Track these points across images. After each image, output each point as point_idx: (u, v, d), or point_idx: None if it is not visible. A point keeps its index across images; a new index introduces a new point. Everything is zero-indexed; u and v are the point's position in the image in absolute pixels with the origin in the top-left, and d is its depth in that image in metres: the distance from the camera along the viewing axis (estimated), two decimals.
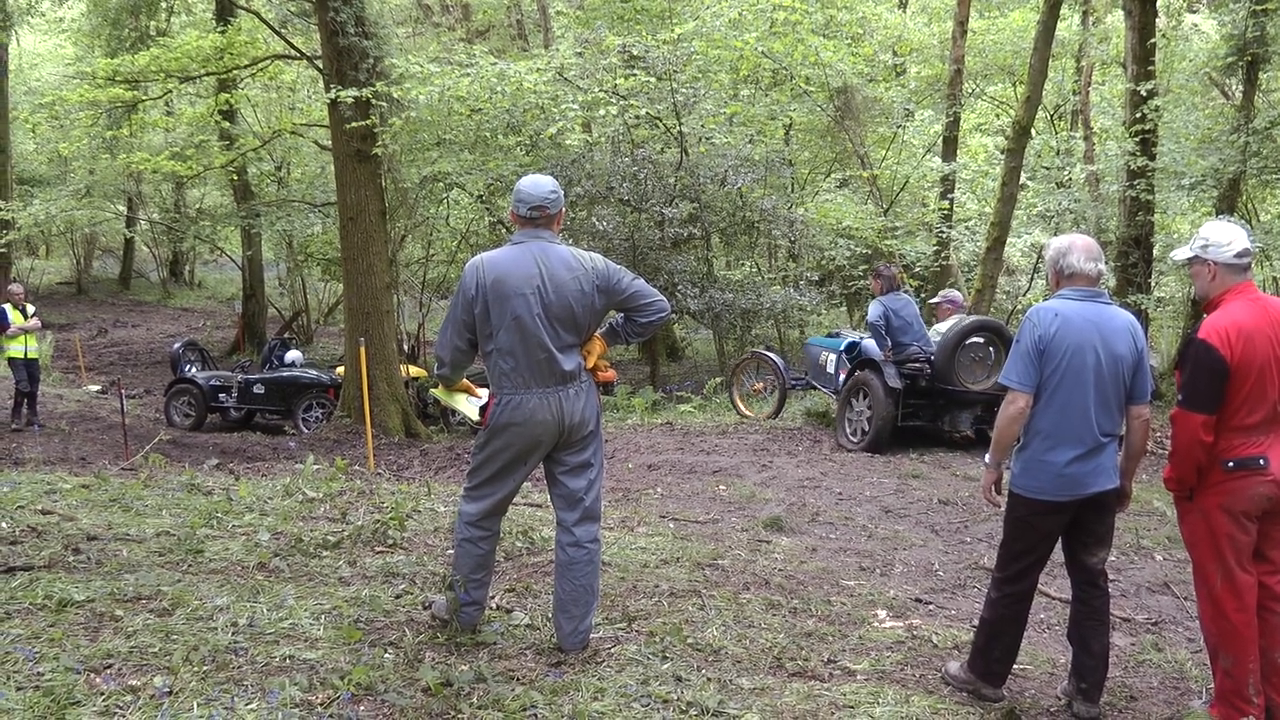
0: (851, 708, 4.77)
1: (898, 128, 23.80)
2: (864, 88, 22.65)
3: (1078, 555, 5.19)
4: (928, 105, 24.34)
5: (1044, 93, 18.43)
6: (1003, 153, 18.14)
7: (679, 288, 18.16)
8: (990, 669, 5.16)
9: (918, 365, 12.37)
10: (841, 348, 13.61)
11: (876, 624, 6.12)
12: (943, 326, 12.88)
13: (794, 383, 14.79)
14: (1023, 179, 17.89)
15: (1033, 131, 18.45)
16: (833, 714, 4.68)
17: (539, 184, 5.23)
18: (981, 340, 12.40)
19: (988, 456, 5.24)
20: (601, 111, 17.45)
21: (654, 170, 18.99)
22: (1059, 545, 5.23)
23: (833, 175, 25.52)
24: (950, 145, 22.10)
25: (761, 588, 6.76)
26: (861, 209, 22.26)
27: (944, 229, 20.91)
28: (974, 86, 25.37)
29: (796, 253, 22.63)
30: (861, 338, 13.52)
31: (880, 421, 12.15)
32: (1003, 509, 5.21)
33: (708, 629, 5.74)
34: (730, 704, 4.69)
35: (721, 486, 10.42)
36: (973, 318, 13.27)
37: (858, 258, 22.29)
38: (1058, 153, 21.67)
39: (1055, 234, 17.79)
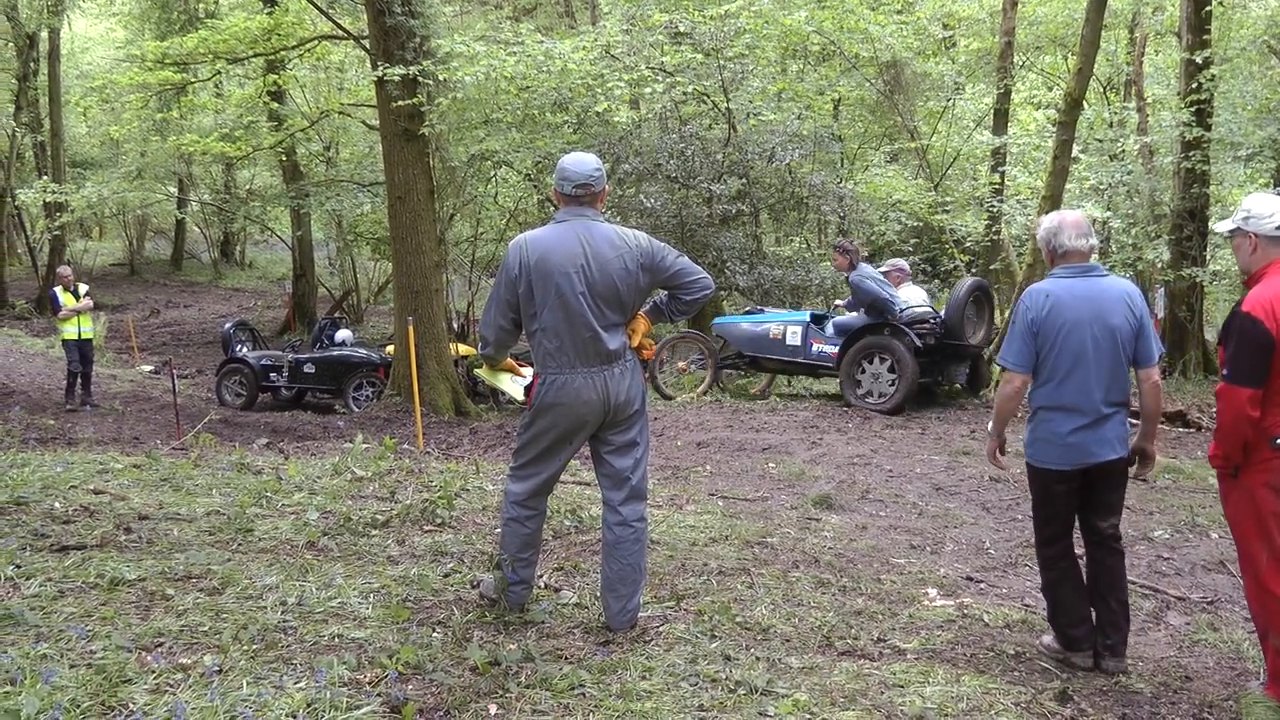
0: (901, 687, 4.73)
1: (948, 101, 23.60)
2: (913, 61, 22.45)
3: (1090, 520, 5.36)
4: (978, 78, 24.13)
5: (1096, 64, 18.19)
6: (1054, 125, 17.89)
7: (727, 264, 18.09)
8: (1066, 636, 5.31)
9: (928, 326, 13.33)
10: (808, 319, 14.33)
11: (927, 602, 6.07)
12: (898, 293, 13.77)
13: (723, 362, 15.10)
14: (1075, 152, 17.65)
15: (1085, 103, 18.22)
16: (882, 693, 4.65)
17: (583, 162, 5.20)
18: (974, 300, 13.61)
19: (990, 426, 5.45)
20: (649, 88, 17.36)
21: (702, 147, 18.91)
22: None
23: (882, 150, 25.34)
24: (1001, 118, 21.87)
25: (811, 566, 6.72)
26: (911, 183, 22.10)
27: (994, 203, 20.70)
28: (1025, 59, 25.12)
29: (846, 228, 22.46)
30: (830, 312, 14.73)
31: (909, 381, 12.99)
32: (1006, 471, 5.59)
33: (756, 607, 5.72)
34: (779, 683, 4.67)
35: (771, 464, 10.39)
36: (970, 279, 14.56)
37: (908, 232, 22.11)
38: (1110, 125, 21.43)
39: (1108, 207, 17.63)
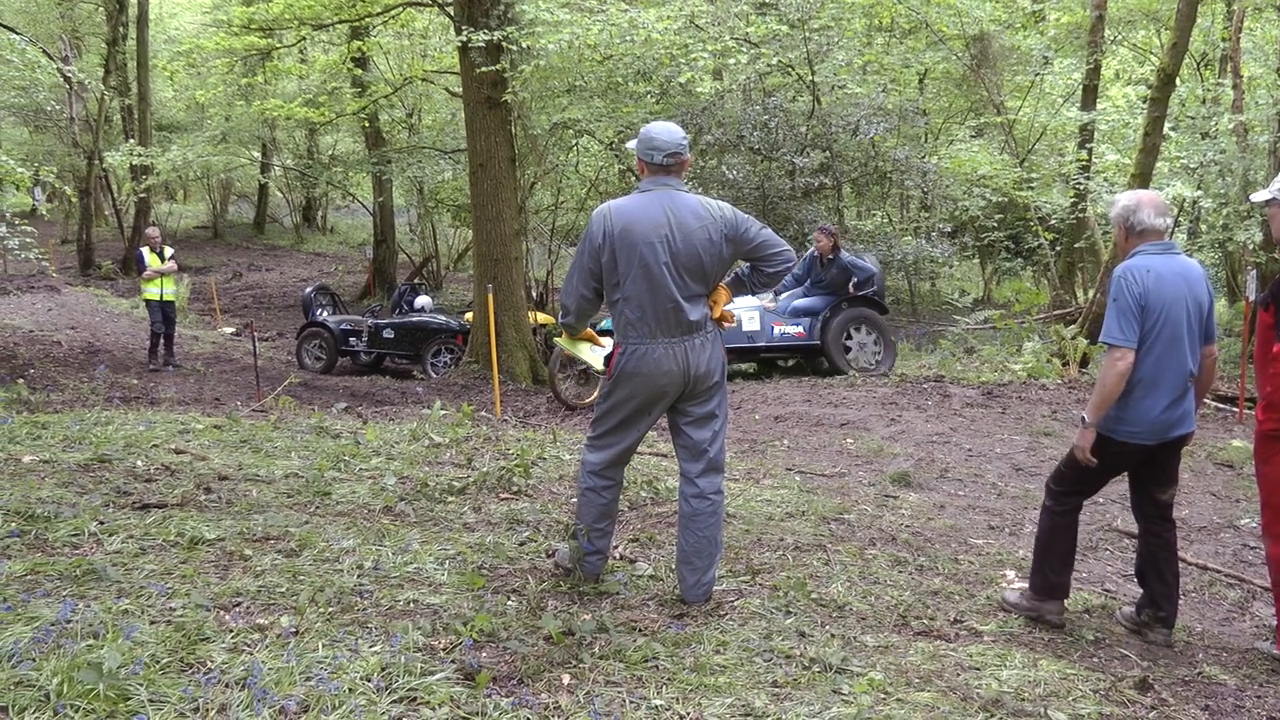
0: (978, 669, 4.67)
1: (1035, 76, 23.23)
2: (1001, 35, 22.13)
3: (1150, 493, 5.43)
4: (1067, 53, 23.70)
5: (1191, 39, 17.81)
6: (1145, 102, 17.56)
7: (809, 238, 17.96)
8: (1049, 581, 5.44)
9: (874, 289, 14.27)
10: (770, 305, 14.32)
11: (1005, 584, 5.98)
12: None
13: None
14: (1165, 129, 17.32)
15: (1178, 80, 17.85)
16: (958, 675, 4.59)
17: (671, 130, 5.16)
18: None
19: (1087, 415, 5.25)
20: (733, 59, 17.24)
21: (785, 119, 18.78)
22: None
23: (967, 125, 25.03)
24: (1090, 94, 21.48)
25: (888, 544, 6.66)
26: (996, 159, 21.80)
27: (1081, 180, 20.36)
28: (1116, 33, 24.63)
29: (929, 203, 22.25)
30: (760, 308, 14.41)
31: (894, 346, 14.00)
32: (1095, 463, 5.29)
33: (832, 584, 5.66)
34: (854, 661, 4.62)
35: (849, 440, 10.31)
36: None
37: (992, 208, 21.84)
38: (1204, 101, 20.97)
39: (1199, 187, 17.28)
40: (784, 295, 14.19)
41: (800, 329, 13.72)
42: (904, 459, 9.46)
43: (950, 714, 4.16)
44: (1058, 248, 20.06)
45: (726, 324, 5.32)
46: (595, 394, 12.99)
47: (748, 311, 13.97)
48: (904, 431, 10.69)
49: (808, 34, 18.42)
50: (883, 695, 4.30)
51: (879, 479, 8.69)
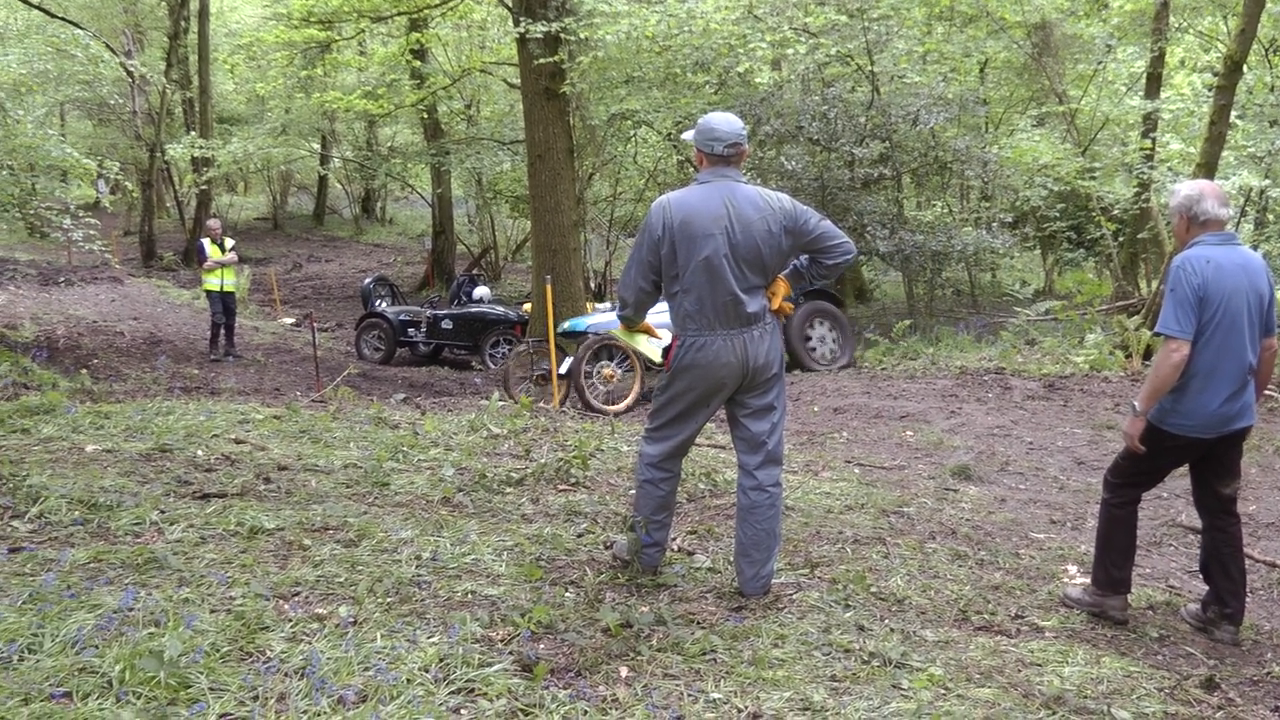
0: (1039, 665, 4.61)
1: (1098, 64, 22.94)
2: (1063, 23, 21.86)
3: (1212, 486, 5.35)
4: (1131, 41, 23.38)
5: (1260, 25, 17.51)
6: (1211, 90, 17.28)
7: (868, 229, 17.84)
8: (1110, 575, 5.36)
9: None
10: None
11: (1067, 579, 5.91)
12: None
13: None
14: (1232, 117, 17.04)
15: (1245, 67, 17.56)
16: (1019, 671, 4.53)
17: (731, 121, 5.13)
18: None
19: (1138, 403, 5.20)
20: (791, 50, 17.14)
21: (844, 109, 18.64)
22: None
23: (1028, 114, 24.76)
24: (1154, 82, 21.17)
25: (948, 537, 6.60)
26: (1058, 148, 21.54)
27: (1145, 170, 20.08)
28: (1181, 20, 24.28)
29: (990, 193, 22.02)
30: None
31: (853, 339, 13.92)
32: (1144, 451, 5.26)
33: (891, 578, 5.62)
34: (914, 656, 4.58)
35: (908, 432, 10.24)
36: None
37: (1054, 198, 21.58)
38: (1272, 89, 20.61)
39: (1267, 176, 17.01)
40: None
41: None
42: (964, 452, 9.37)
43: (1011, 710, 4.12)
44: (1120, 238, 19.78)
45: (784, 316, 5.29)
46: (630, 399, 12.96)
47: None
48: (964, 424, 10.60)
49: (867, 23, 18.27)
50: (943, 691, 4.27)
51: (939, 472, 8.62)
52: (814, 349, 13.78)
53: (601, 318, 13.61)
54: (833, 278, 5.63)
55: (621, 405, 12.55)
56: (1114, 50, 22.64)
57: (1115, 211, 20.39)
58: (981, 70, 24.59)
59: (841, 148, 18.39)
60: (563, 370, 12.60)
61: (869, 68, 18.94)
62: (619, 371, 12.81)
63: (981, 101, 21.47)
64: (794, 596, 5.22)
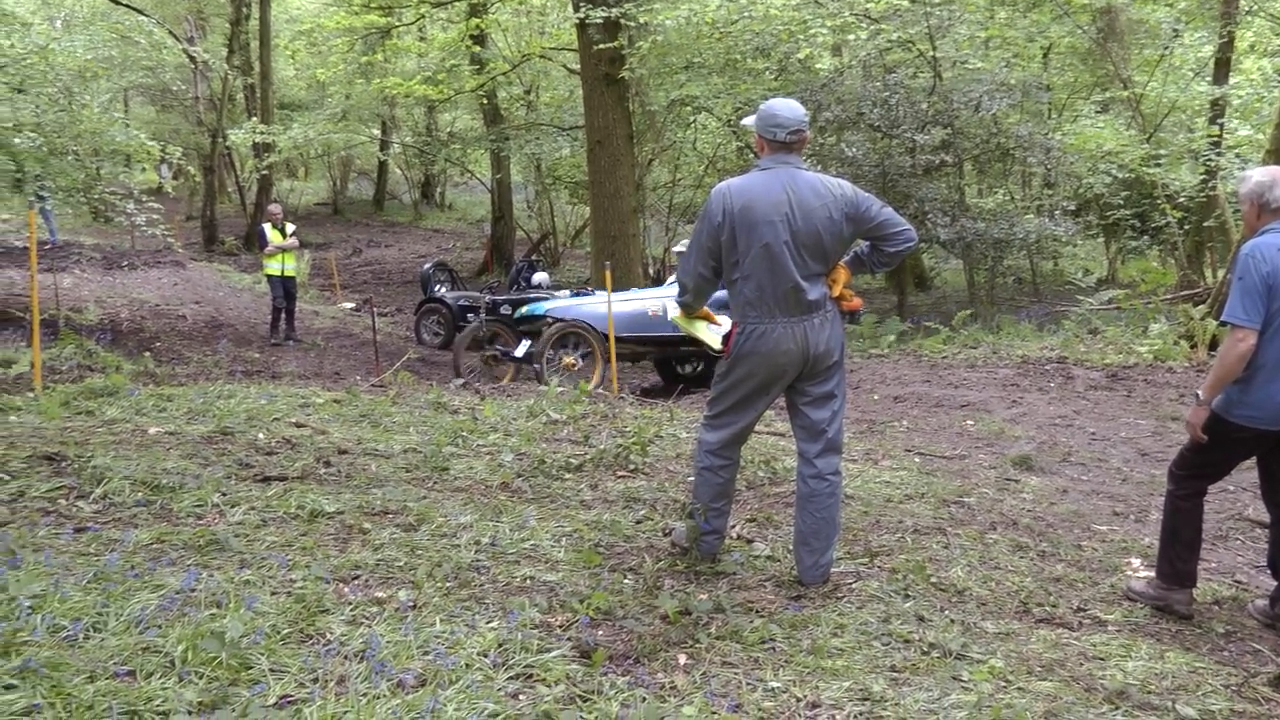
0: (1102, 659, 4.55)
1: (1165, 49, 22.62)
2: (1129, 7, 21.57)
3: None
4: (1199, 25, 23.04)
5: None
6: None
7: (929, 216, 17.69)
8: (1175, 569, 5.27)
9: None
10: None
11: (1130, 573, 5.83)
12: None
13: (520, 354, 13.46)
14: None
15: None
16: (1081, 665, 4.48)
17: (793, 107, 5.09)
18: None
19: (1201, 392, 5.12)
20: (852, 36, 17.04)
21: (906, 95, 18.49)
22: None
23: (1092, 100, 24.47)
24: (1222, 67, 20.83)
25: (1009, 528, 6.53)
26: (1123, 135, 21.26)
27: (1212, 156, 19.80)
28: (1251, 3, 23.90)
29: (1052, 181, 21.78)
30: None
31: None
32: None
33: (952, 568, 5.57)
34: (974, 647, 4.54)
35: (969, 421, 10.16)
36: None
37: (1118, 185, 21.31)
38: None
39: None
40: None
41: (723, 321, 13.19)
42: (1025, 442, 9.28)
43: (1073, 704, 4.07)
44: (1186, 226, 19.50)
45: (847, 304, 5.25)
46: (593, 382, 12.57)
47: (671, 302, 13.31)
48: (1026, 414, 10.51)
49: (929, 8, 18.11)
50: (1003, 683, 4.22)
51: (1000, 462, 8.54)
52: None
53: (561, 303, 13.43)
54: (894, 265, 5.59)
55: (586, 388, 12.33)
56: (1181, 34, 22.31)
57: (1181, 199, 20.11)
58: (1045, 55, 24.31)
59: (903, 134, 18.25)
60: (518, 353, 12.51)
61: (931, 53, 18.77)
62: (579, 360, 12.64)
63: (1045, 87, 21.24)
64: (853, 586, 5.19)
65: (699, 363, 13.71)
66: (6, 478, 6.09)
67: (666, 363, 13.67)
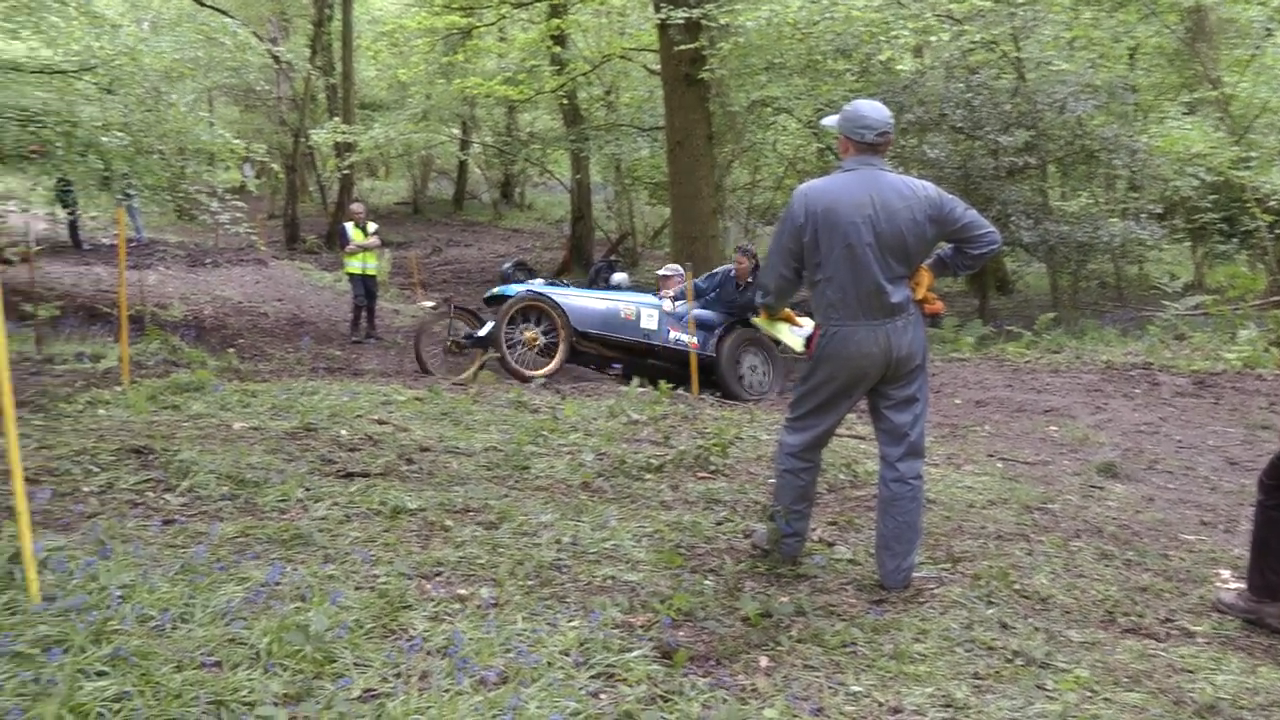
0: (1190, 672, 4.46)
1: (1256, 49, 22.22)
2: (1219, 6, 21.20)
3: None
4: None
5: None
6: None
7: (1011, 219, 17.51)
8: (1267, 581, 5.09)
9: None
10: (675, 309, 13.43)
11: (1219, 584, 5.72)
12: (670, 292, 13.62)
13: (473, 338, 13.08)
14: None
15: None
16: (1169, 677, 4.40)
17: (880, 109, 5.07)
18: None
19: None
20: (934, 37, 16.90)
21: (989, 97, 18.32)
22: None
23: (1180, 101, 24.10)
24: None
25: (1093, 536, 6.44)
26: (1211, 136, 20.91)
27: None
28: None
29: (1138, 183, 21.45)
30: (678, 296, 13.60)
31: (780, 370, 13.26)
32: None
33: (1035, 576, 5.50)
34: (1058, 656, 4.48)
35: (1052, 427, 10.04)
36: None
37: (1205, 189, 20.95)
38: None
39: None
40: (681, 303, 13.34)
41: (695, 340, 12.89)
42: (1110, 448, 9.14)
43: (1161, 717, 4.01)
44: (1277, 230, 19.15)
45: (929, 307, 5.21)
46: (552, 365, 12.30)
47: (647, 309, 13.23)
48: (1110, 420, 10.36)
49: (1013, 9, 17.93)
50: (1089, 693, 4.16)
51: (1084, 468, 8.42)
52: (743, 378, 13.17)
53: (536, 288, 13.15)
54: (977, 268, 5.54)
55: (545, 370, 12.09)
56: (1274, 33, 21.89)
57: (1272, 202, 19.75)
58: (1131, 56, 23.96)
59: (986, 136, 18.09)
60: (482, 333, 12.36)
61: (1015, 54, 18.59)
62: (541, 336, 12.32)
63: (1131, 88, 20.92)
64: (935, 591, 5.14)
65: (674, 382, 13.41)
66: (96, 470, 6.20)
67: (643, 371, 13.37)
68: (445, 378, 12.04)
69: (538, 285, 13.07)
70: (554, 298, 12.45)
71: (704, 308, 13.16)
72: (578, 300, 12.78)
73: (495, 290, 13.26)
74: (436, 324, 13.19)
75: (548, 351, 12.26)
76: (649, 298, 13.57)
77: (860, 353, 5.00)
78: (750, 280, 13.00)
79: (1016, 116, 18.32)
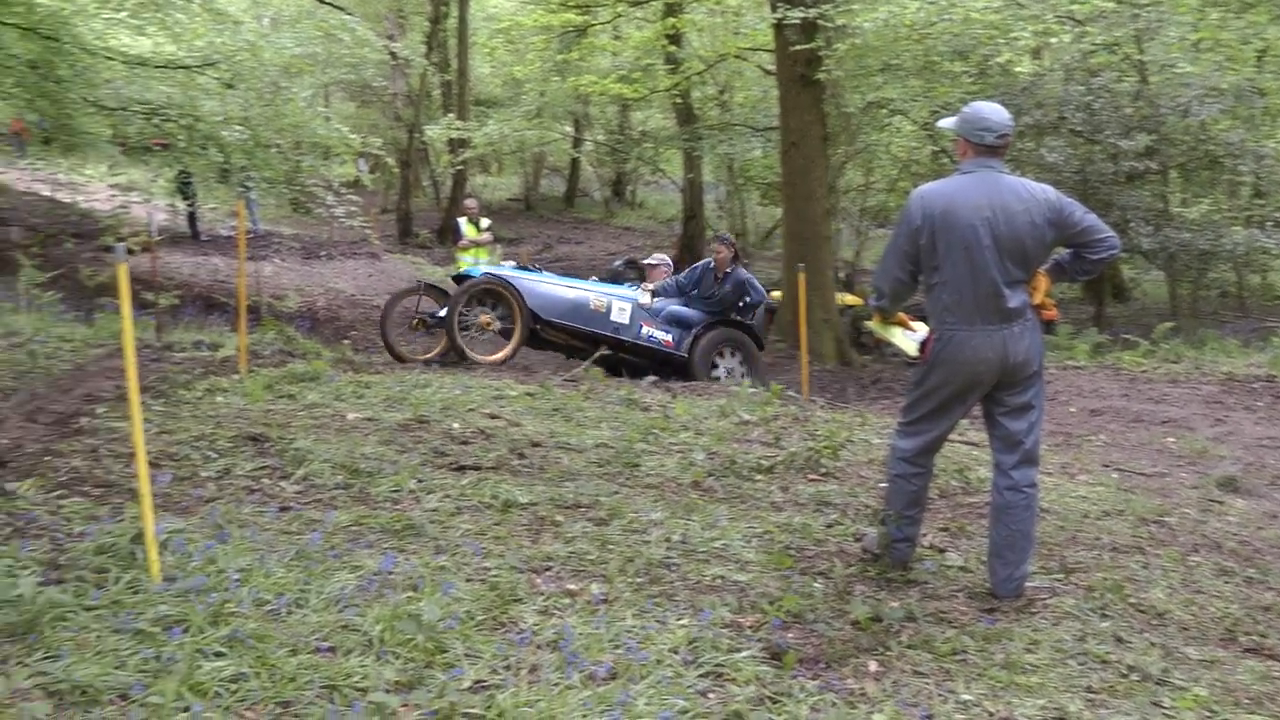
0: None
1: None
2: None
3: None
4: None
5: None
6: None
7: (1131, 225, 17.19)
8: None
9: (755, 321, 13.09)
10: (653, 304, 12.84)
11: None
12: (651, 286, 13.08)
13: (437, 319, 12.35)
14: None
15: None
16: None
17: (1000, 111, 5.02)
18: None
19: None
20: (1054, 39, 16.63)
21: (1110, 99, 18.01)
22: None
23: None
24: None
25: (1212, 551, 6.29)
26: None
27: None
28: None
29: (1264, 190, 20.94)
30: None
31: (761, 373, 12.77)
32: None
33: (1151, 590, 5.39)
34: (1175, 673, 4.39)
35: (1170, 438, 9.83)
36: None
37: None
38: None
39: None
40: (658, 299, 12.90)
41: (669, 337, 12.59)
42: (1231, 462, 8.93)
43: None
44: None
45: (1045, 313, 5.13)
46: (506, 350, 11.98)
47: (619, 302, 12.65)
48: (1231, 433, 10.12)
49: (1137, 10, 17.59)
50: (1208, 713, 4.09)
51: (1203, 482, 8.23)
52: (718, 378, 12.61)
53: (502, 272, 12.71)
54: (1095, 273, 5.46)
55: (499, 355, 11.80)
56: None
57: None
58: (1260, 58, 23.38)
59: (1105, 140, 17.78)
60: (443, 314, 12.09)
61: (1137, 56, 18.23)
62: (497, 321, 11.93)
63: (1259, 92, 20.42)
64: (1048, 601, 5.07)
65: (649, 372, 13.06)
66: (214, 455, 6.34)
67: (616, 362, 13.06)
68: (413, 356, 12.05)
69: (503, 269, 12.74)
70: (512, 282, 12.02)
71: (686, 305, 12.85)
72: (544, 287, 12.36)
73: (460, 269, 13.05)
74: (403, 301, 12.88)
75: (507, 335, 11.97)
76: (624, 290, 13.19)
77: (976, 358, 4.95)
78: (730, 270, 12.71)
79: (1138, 120, 17.98)
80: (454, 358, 11.62)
